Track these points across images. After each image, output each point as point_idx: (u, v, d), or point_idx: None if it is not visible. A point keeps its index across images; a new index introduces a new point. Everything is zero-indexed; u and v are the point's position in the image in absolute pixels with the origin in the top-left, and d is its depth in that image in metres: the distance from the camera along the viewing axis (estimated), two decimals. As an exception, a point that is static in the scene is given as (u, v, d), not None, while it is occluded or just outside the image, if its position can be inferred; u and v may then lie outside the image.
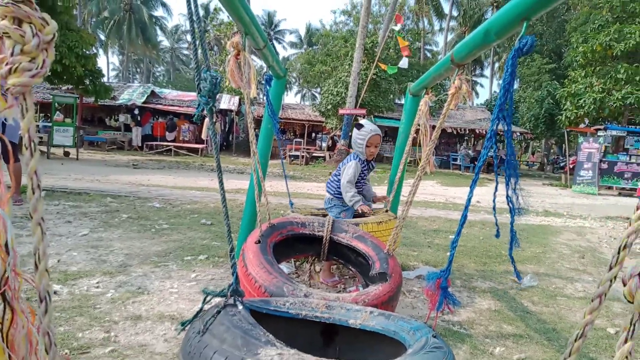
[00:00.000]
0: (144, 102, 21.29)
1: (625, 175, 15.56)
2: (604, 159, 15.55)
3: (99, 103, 17.89)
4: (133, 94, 21.87)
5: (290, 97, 66.28)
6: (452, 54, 2.43)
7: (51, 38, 0.74)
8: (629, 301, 0.64)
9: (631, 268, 0.64)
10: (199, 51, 1.61)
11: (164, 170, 12.42)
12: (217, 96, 1.63)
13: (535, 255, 4.65)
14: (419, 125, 3.24)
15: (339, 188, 3.34)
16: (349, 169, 3.27)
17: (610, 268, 0.73)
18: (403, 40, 15.11)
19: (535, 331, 2.60)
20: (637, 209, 0.72)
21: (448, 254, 4.31)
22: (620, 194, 15.06)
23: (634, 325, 0.65)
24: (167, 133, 21.50)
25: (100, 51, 44.41)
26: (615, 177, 15.62)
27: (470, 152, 23.66)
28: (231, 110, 23.33)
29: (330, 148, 21.05)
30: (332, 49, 24.54)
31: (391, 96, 21.51)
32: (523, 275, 3.79)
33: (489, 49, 2.49)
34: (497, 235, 1.96)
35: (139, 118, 21.16)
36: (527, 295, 3.33)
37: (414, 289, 3.29)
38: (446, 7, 39.26)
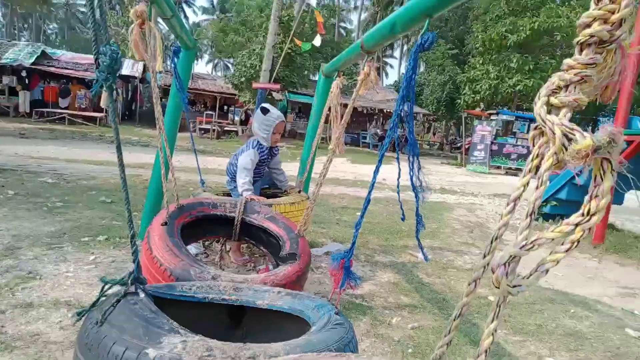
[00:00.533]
0: (33, 64, 18.92)
1: (512, 157, 17.38)
2: (494, 141, 17.19)
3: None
4: (20, 53, 19.30)
5: (201, 66, 63.32)
6: (362, 41, 2.51)
7: None
8: (495, 287, 0.73)
9: (498, 258, 0.73)
10: (98, 19, 1.48)
11: (57, 141, 11.30)
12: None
13: (431, 231, 5.06)
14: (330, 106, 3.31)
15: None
16: (247, 157, 3.19)
17: (484, 256, 0.83)
18: (320, 15, 15.08)
19: (428, 301, 2.87)
20: (507, 204, 0.83)
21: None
22: (507, 173, 16.83)
23: (499, 306, 0.75)
24: (60, 99, 19.45)
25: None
26: (504, 158, 17.38)
27: (378, 131, 24.67)
28: (134, 77, 21.71)
29: (244, 122, 20.62)
30: (247, 18, 23.75)
31: (306, 72, 21.50)
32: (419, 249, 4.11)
33: (398, 39, 2.59)
34: (403, 219, 2.10)
35: (27, 81, 18.83)
36: (422, 268, 3.64)
37: (322, 265, 3.41)
38: (361, -15, 39.86)
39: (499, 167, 17.39)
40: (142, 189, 5.10)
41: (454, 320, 0.87)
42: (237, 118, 22.27)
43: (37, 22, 50.26)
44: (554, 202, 6.44)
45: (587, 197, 0.74)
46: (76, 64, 20.37)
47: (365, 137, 24.34)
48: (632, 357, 2.34)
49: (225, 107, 25.46)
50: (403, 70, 47.17)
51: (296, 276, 2.11)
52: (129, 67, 21.29)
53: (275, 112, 3.31)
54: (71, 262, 2.87)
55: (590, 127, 16.52)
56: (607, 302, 3.36)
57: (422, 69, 32.44)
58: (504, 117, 18.10)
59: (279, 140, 3.37)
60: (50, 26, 57.01)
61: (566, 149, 0.73)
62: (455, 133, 34.39)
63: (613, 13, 0.77)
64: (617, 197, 5.96)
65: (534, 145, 0.84)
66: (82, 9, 54.25)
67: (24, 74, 18.72)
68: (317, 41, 14.63)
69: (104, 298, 1.49)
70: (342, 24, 44.52)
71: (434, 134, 37.25)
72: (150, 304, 1.44)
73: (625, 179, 5.01)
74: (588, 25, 0.79)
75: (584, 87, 0.80)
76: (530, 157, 0.83)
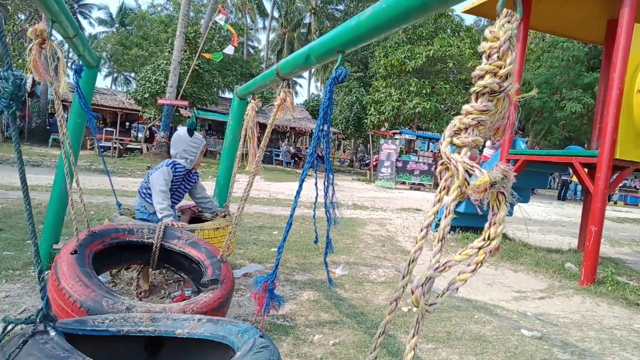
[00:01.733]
0: None
1: (415, 173, 18.65)
2: (399, 159, 18.33)
3: None
4: None
5: (99, 80, 59.36)
6: (278, 68, 2.60)
7: None
8: (415, 306, 0.83)
9: (417, 280, 0.84)
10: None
11: None
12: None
13: (346, 246, 5.25)
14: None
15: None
16: (160, 176, 3.05)
17: (403, 277, 0.94)
18: (232, 28, 15.06)
19: (347, 316, 2.98)
20: (421, 231, 0.94)
21: (273, 250, 4.55)
22: (411, 188, 18.02)
23: (419, 323, 0.85)
24: None
25: None
26: (408, 174, 18.59)
27: (291, 148, 24.98)
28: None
29: (148, 140, 19.65)
30: (150, 33, 22.87)
31: (215, 89, 21.17)
32: (336, 265, 4.26)
33: (311, 69, 2.70)
34: (316, 242, 2.19)
35: None
36: (340, 283, 3.77)
37: (241, 287, 3.39)
38: (268, 7, 40.47)
39: (404, 183, 18.54)
40: (36, 215, 4.65)
41: (378, 337, 0.96)
42: (140, 135, 21.17)
43: None
44: (454, 215, 7.03)
45: (486, 225, 0.88)
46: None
47: (277, 155, 24.49)
48: (527, 355, 2.65)
49: (127, 124, 24.09)
50: (312, 90, 48.48)
51: (218, 303, 2.09)
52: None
53: (199, 135, 3.28)
54: (-46, 301, 2.54)
55: (480, 151, 18.37)
56: (504, 305, 3.75)
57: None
58: (407, 136, 19.43)
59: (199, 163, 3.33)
60: None
61: (468, 184, 0.87)
62: (364, 150, 36.02)
63: (500, 68, 0.94)
64: (508, 210, 6.72)
65: (440, 179, 0.97)
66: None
67: None
68: (229, 50, 14.59)
69: (6, 339, 1.37)
70: (251, 43, 44.66)
71: (344, 151, 38.68)
72: (63, 342, 1.35)
73: (514, 190, 5.67)
74: (481, 77, 0.95)
75: (480, 129, 0.95)
76: (438, 188, 0.95)
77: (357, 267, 4.41)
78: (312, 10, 38.83)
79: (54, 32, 2.19)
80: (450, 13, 21.34)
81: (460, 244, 6.20)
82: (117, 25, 44.62)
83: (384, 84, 20.85)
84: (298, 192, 1.97)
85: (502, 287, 4.38)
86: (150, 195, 3.11)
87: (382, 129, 22.19)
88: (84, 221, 2.45)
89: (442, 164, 0.97)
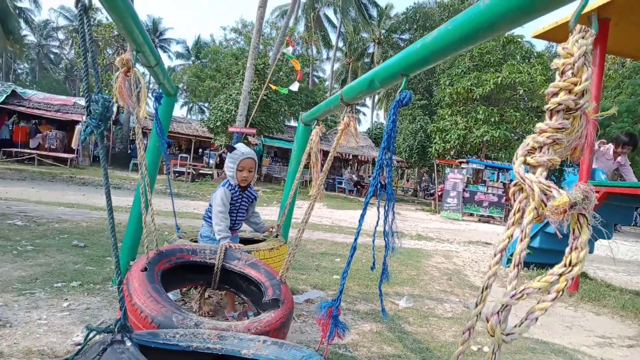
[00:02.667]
0: (2, 103, 18.64)
1: (484, 204, 17.85)
2: (466, 189, 17.67)
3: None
4: (-12, 92, 19.04)
5: (176, 110, 63.67)
6: (342, 94, 2.64)
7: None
8: (490, 335, 0.78)
9: (492, 308, 0.79)
10: (90, 68, 1.53)
11: (26, 181, 10.99)
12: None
13: (410, 278, 5.09)
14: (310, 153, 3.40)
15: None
16: (217, 197, 3.02)
17: (476, 305, 0.89)
18: (297, 63, 15.64)
19: (411, 351, 2.86)
20: (495, 255, 0.89)
21: (335, 277, 4.52)
22: (480, 220, 17.21)
23: (495, 354, 0.80)
24: (30, 140, 19.06)
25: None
26: (476, 205, 17.82)
27: (354, 176, 25.03)
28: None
29: (219, 165, 20.61)
30: (222, 65, 24.29)
31: (281, 118, 21.91)
32: (400, 297, 4.13)
33: (376, 93, 2.65)
34: (372, 268, 2.14)
35: (-6, 121, 18.47)
36: (403, 316, 3.64)
37: (303, 313, 3.38)
38: (333, 38, 41.63)
39: (471, 214, 17.79)
40: (116, 233, 4.99)
41: (451, 368, 0.91)
42: (212, 161, 22.26)
43: (8, 61, 49.86)
44: (528, 251, 6.58)
45: (567, 249, 0.81)
46: (48, 105, 20.16)
47: (340, 183, 24.61)
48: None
49: (200, 150, 25.48)
50: (375, 118, 48.70)
51: (280, 323, 2.10)
52: (103, 109, 21.17)
53: (241, 149, 3.11)
54: (43, 308, 2.76)
55: (557, 177, 17.21)
56: (586, 351, 3.41)
57: (394, 117, 33.41)
58: (474, 165, 18.76)
59: (248, 179, 3.12)
60: (22, 66, 56.58)
61: (545, 205, 0.82)
62: (428, 180, 35.24)
63: (576, 85, 0.89)
64: (588, 246, 6.18)
65: (514, 201, 0.92)
66: (55, 50, 54.31)
67: (-8, 113, 18.38)
68: (294, 86, 15.09)
69: (88, 346, 1.45)
70: (316, 73, 45.97)
71: (407, 180, 38.06)
72: (138, 354, 1.42)
73: (594, 228, 5.21)
74: (555, 95, 0.90)
75: (556, 148, 0.90)
76: (512, 211, 0.91)
77: (422, 300, 4.25)
78: (377, 40, 39.38)
79: (137, 62, 2.40)
80: (519, 39, 20.68)
81: (540, 290, 5.77)
82: (192, 58, 47.96)
83: (449, 112, 20.46)
84: (362, 216, 1.96)
85: (583, 331, 4.00)
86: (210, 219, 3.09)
87: (448, 158, 21.63)
88: (154, 241, 2.59)
89: (515, 184, 0.92)
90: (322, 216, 11.43)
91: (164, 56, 49.68)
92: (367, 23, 38.58)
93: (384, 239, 2.00)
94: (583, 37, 0.92)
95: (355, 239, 1.83)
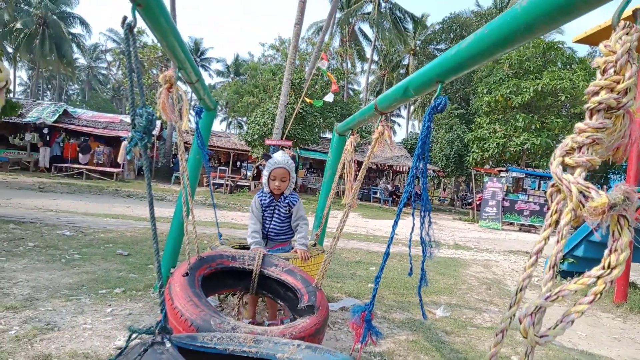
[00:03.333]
0: (55, 122, 19.77)
1: (525, 213, 17.25)
2: (506, 197, 17.15)
3: (3, 120, 16.35)
4: (43, 112, 20.25)
5: (216, 124, 65.56)
6: (376, 103, 2.65)
7: (3, 85, 0.76)
8: (524, 337, 0.77)
9: (525, 309, 0.78)
10: (135, 87, 1.61)
11: (75, 194, 11.55)
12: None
13: (447, 287, 4.98)
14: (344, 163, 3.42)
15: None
16: (251, 205, 3.20)
17: (510, 307, 0.87)
18: (333, 76, 15.81)
19: (448, 360, 2.80)
20: (530, 257, 0.88)
21: (370, 285, 4.49)
22: (520, 230, 16.63)
23: (528, 356, 0.79)
24: (80, 155, 20.08)
25: (7, 64, 40.83)
26: (516, 214, 17.25)
27: (389, 186, 24.82)
28: (153, 135, 22.48)
29: (256, 177, 20.97)
30: (260, 81, 24.85)
31: (316, 130, 22.10)
32: (437, 306, 4.05)
33: (409, 102, 2.59)
34: (410, 274, 2.12)
35: (47, 138, 19.55)
36: (441, 325, 3.56)
37: (337, 321, 3.37)
38: (368, 52, 41.70)
39: (511, 224, 17.23)
40: (159, 242, 5.16)
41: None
42: (249, 173, 22.68)
43: (60, 83, 52.97)
44: (571, 260, 6.34)
45: (606, 251, 0.79)
46: (96, 122, 21.21)
47: (375, 193, 24.46)
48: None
49: (238, 163, 26.02)
50: (410, 128, 48.23)
51: (315, 329, 2.11)
52: (146, 125, 22.08)
53: (276, 158, 3.13)
54: (89, 314, 2.89)
55: (601, 185, 16.46)
56: (633, 364, 3.24)
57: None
58: (514, 174, 18.20)
59: (281, 187, 3.10)
60: (73, 87, 60.00)
61: (583, 206, 0.80)
62: (466, 189, 34.45)
63: (618, 83, 0.87)
64: (637, 255, 5.86)
65: (551, 202, 0.90)
66: (103, 71, 57.23)
67: (45, 130, 19.48)
68: (329, 98, 15.22)
69: (129, 347, 1.51)
70: (351, 86, 46.14)
71: (444, 190, 37.34)
72: (177, 355, 1.46)
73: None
74: (596, 94, 0.88)
75: (596, 148, 0.88)
76: (549, 212, 0.89)
77: (460, 309, 4.14)
78: (412, 52, 39.18)
79: (180, 79, 2.51)
80: (560, 46, 20.04)
81: (579, 292, 5.51)
82: (232, 75, 49.36)
83: (487, 120, 20.01)
84: (395, 223, 1.96)
85: (634, 344, 3.79)
86: None
87: (486, 167, 21.09)
88: (195, 248, 2.68)
89: (552, 185, 0.90)
90: (357, 225, 11.38)
91: (204, 74, 51.41)
92: (402, 35, 38.51)
93: (421, 246, 1.98)
94: (627, 34, 0.89)
95: (389, 245, 1.83)
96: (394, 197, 23.53)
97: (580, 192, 0.81)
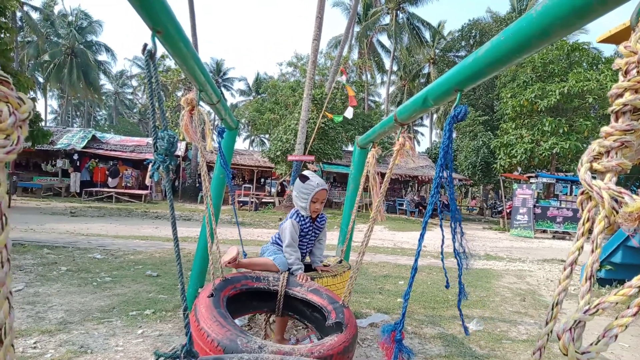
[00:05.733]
0: (84, 147, 20.49)
1: (558, 220, 16.71)
2: (537, 204, 16.66)
3: (36, 148, 17.03)
4: (73, 138, 21.02)
5: (239, 143, 66.54)
6: (396, 114, 2.63)
7: (27, 116, 0.77)
8: (564, 354, 0.72)
9: (563, 324, 0.73)
10: (156, 111, 1.64)
11: (105, 218, 11.86)
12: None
13: (480, 299, 4.84)
14: (367, 175, 3.38)
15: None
16: (286, 231, 2.91)
17: (547, 323, 0.83)
18: (351, 89, 15.86)
19: (483, 376, 2.69)
20: (564, 269, 0.83)
21: (399, 300, 4.40)
22: (554, 237, 16.09)
23: (570, 373, 0.74)
24: (109, 179, 20.69)
25: (39, 94, 42.82)
26: (549, 221, 16.72)
27: (415, 197, 24.53)
28: (178, 156, 22.96)
29: (280, 193, 21.11)
30: (280, 98, 25.15)
31: (339, 144, 22.14)
32: (469, 319, 3.93)
33: (429, 111, 2.48)
34: (447, 286, 2.06)
35: (78, 163, 20.24)
36: (474, 339, 3.45)
37: (367, 338, 3.31)
38: (387, 63, 41.75)
39: (544, 231, 16.71)
40: (186, 262, 5.21)
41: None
42: (273, 190, 22.84)
43: (88, 109, 55.01)
44: (609, 267, 6.08)
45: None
46: (123, 146, 21.85)
47: (401, 204, 24.20)
48: None
49: (262, 180, 26.27)
50: (434, 138, 47.78)
51: (343, 347, 2.07)
52: (172, 146, 22.64)
53: (315, 180, 3.03)
54: (120, 336, 2.92)
55: (637, 188, 15.83)
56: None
57: (454, 135, 32.87)
58: (544, 179, 17.72)
59: (320, 209, 3.06)
60: (100, 112, 62.21)
61: (617, 212, 0.75)
62: (495, 197, 33.71)
63: (644, 82, 0.83)
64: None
65: (582, 210, 0.86)
66: (129, 96, 59.18)
67: (75, 156, 20.18)
68: (348, 113, 15.23)
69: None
70: (371, 98, 46.19)
71: (473, 199, 36.62)
72: (203, 378, 1.45)
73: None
74: (620, 96, 0.84)
75: (625, 152, 0.84)
76: (581, 220, 0.85)
77: (494, 322, 4.01)
78: (431, 60, 39.03)
79: (201, 101, 2.55)
80: (585, 47, 19.57)
81: (618, 304, 5.25)
82: (253, 93, 50.24)
83: (513, 126, 19.62)
84: (422, 236, 1.91)
85: (685, 356, 3.57)
86: (280, 243, 3.07)
87: (515, 173, 20.60)
88: (220, 269, 2.67)
89: (582, 192, 0.86)
90: (384, 239, 11.25)
91: (227, 94, 52.43)
92: (421, 45, 38.47)
93: (455, 258, 1.93)
94: (649, 33, 0.86)
95: (416, 260, 1.78)
96: (421, 208, 23.22)
97: (613, 198, 0.77)
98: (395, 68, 43.43)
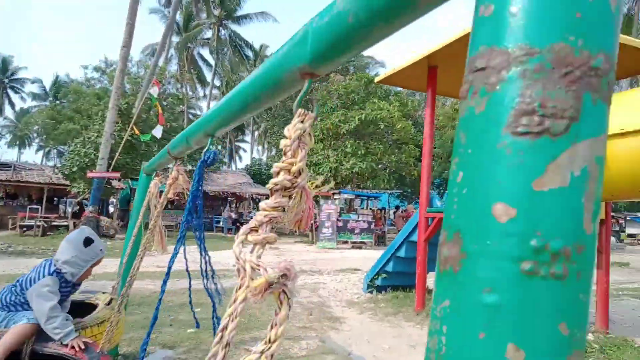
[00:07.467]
0: None
1: (356, 231, 18.83)
2: (339, 218, 18.52)
3: None
4: None
5: (30, 155, 56.82)
6: (169, 148, 2.61)
7: None
8: None
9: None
10: None
11: None
12: None
13: (269, 320, 5.05)
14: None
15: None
16: (44, 288, 2.41)
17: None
18: (160, 107, 15.08)
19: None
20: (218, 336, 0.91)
21: (190, 330, 4.27)
22: (352, 247, 18.09)
23: None
24: None
25: None
26: (349, 233, 18.72)
27: (232, 214, 24.62)
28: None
29: (77, 214, 18.62)
30: (82, 106, 22.48)
31: (152, 158, 20.78)
32: (255, 342, 4.06)
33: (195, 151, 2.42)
34: (197, 326, 2.09)
35: None
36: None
37: (142, 380, 3.12)
38: (209, 77, 41.43)
39: (345, 242, 18.62)
40: None
41: None
42: (69, 210, 20.07)
43: None
44: (384, 275, 7.10)
45: (269, 327, 0.87)
46: None
47: (218, 221, 24.00)
48: None
49: (55, 199, 22.86)
50: (254, 154, 49.05)
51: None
52: None
53: (99, 245, 2.71)
54: None
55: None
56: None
57: (273, 152, 34.45)
58: (346, 195, 19.82)
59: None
60: None
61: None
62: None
63: (292, 165, 0.98)
64: (433, 265, 6.84)
65: (238, 277, 0.96)
66: None
67: None
68: (157, 132, 14.48)
69: None
70: (192, 111, 44.99)
71: (286, 214, 38.60)
72: None
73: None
74: (277, 174, 0.98)
75: (273, 224, 0.98)
76: (235, 288, 0.95)
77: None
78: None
79: None
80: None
81: (389, 304, 6.17)
82: (50, 98, 43.64)
83: (321, 147, 21.50)
84: (174, 256, 1.95)
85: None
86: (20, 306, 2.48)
87: (325, 190, 22.55)
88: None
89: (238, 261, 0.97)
90: (195, 261, 10.89)
91: (15, 98, 44.23)
92: (243, 63, 39.18)
93: (208, 295, 1.97)
94: (302, 121, 1.02)
95: (165, 281, 1.78)
96: (238, 224, 23.39)
97: (253, 269, 0.88)
98: (218, 83, 43.26)
